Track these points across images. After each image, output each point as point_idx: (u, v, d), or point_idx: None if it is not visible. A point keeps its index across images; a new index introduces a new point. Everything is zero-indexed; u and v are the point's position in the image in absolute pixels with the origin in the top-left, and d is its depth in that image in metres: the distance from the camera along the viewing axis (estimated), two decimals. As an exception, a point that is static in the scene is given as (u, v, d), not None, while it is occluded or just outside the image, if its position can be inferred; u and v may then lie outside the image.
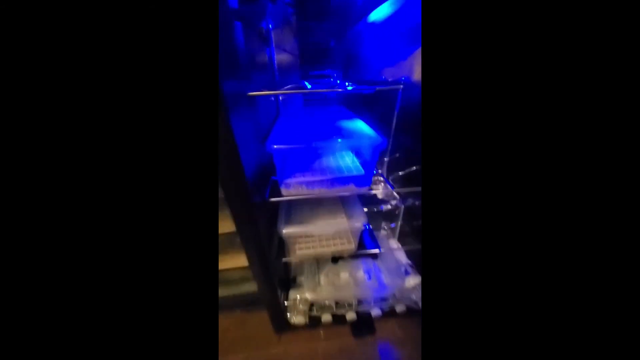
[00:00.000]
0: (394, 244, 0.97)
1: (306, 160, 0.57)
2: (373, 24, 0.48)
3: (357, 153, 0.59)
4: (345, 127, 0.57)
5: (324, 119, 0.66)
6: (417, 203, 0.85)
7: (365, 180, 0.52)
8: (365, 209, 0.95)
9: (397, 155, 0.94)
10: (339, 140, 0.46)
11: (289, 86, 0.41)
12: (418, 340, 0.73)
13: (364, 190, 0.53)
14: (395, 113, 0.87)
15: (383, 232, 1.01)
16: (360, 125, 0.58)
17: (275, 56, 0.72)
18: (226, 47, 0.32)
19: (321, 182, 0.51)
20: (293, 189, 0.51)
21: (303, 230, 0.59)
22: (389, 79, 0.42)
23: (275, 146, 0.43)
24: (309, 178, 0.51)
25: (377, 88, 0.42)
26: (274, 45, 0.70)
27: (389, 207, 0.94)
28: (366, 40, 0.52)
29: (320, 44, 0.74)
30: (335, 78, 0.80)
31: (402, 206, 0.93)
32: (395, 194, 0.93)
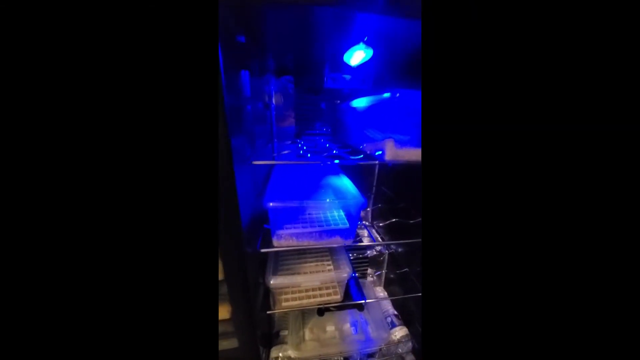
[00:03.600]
0: (380, 291, 0.98)
1: (297, 212, 0.62)
2: (355, 108, 0.60)
3: (343, 206, 0.66)
4: (332, 184, 0.65)
5: (313, 174, 0.74)
6: (400, 249, 0.90)
7: (350, 232, 0.57)
8: (352, 255, 0.98)
9: (380, 205, 1.03)
10: (328, 200, 0.53)
11: (284, 152, 0.50)
12: (407, 405, 0.68)
13: (349, 242, 0.58)
14: (375, 174, 1.00)
15: (369, 279, 1.02)
16: (345, 182, 0.66)
17: (275, 113, 0.84)
18: (236, 107, 0.39)
19: (310, 235, 0.56)
20: (284, 240, 0.55)
21: (291, 282, 0.60)
22: (368, 151, 0.52)
23: (271, 204, 0.49)
24: (299, 230, 0.55)
25: (358, 162, 0.52)
26: (273, 105, 0.83)
27: (374, 252, 0.98)
28: (350, 117, 0.65)
29: (313, 109, 0.88)
30: (326, 136, 0.92)
31: (387, 252, 0.97)
32: (380, 240, 0.98)
